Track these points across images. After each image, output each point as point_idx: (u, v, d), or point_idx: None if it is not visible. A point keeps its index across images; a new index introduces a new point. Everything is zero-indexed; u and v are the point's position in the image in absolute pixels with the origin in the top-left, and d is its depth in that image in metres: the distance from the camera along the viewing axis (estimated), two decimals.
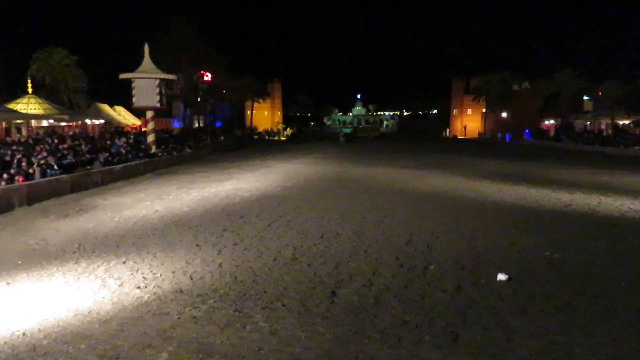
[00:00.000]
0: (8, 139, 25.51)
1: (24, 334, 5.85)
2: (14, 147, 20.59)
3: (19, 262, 8.85)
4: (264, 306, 6.69)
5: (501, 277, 7.78)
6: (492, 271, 8.10)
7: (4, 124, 29.07)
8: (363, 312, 6.50)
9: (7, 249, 9.78)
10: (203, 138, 41.44)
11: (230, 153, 37.47)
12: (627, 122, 47.19)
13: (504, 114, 62.83)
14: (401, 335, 5.79)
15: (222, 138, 44.49)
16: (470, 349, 5.45)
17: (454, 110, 79.98)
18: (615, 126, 46.48)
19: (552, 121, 57.92)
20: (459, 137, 72.78)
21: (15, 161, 17.28)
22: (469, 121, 76.43)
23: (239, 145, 46.48)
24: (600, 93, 49.09)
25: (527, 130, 55.52)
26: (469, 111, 76.51)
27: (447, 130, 79.65)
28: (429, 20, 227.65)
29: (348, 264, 8.67)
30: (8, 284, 7.72)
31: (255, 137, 63.25)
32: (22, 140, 24.87)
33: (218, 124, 62.20)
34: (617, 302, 6.82)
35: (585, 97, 56.31)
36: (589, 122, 51.69)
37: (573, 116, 53.45)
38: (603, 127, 48.94)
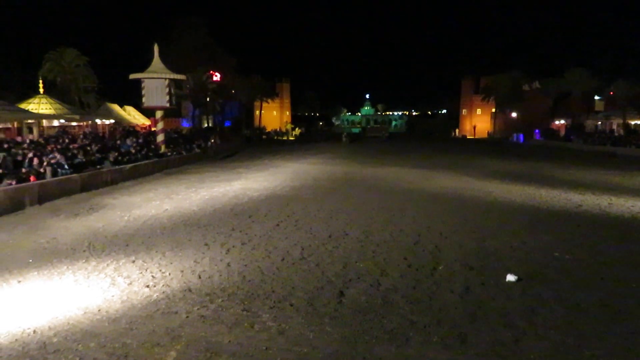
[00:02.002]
0: (20, 138, 25.82)
1: (34, 331, 5.91)
2: (26, 147, 20.84)
3: (30, 261, 8.95)
4: (272, 306, 6.70)
5: (510, 278, 7.73)
6: (501, 272, 8.05)
7: (15, 124, 29.46)
8: (371, 312, 6.49)
9: (18, 248, 9.89)
10: (212, 138, 41.52)
11: (238, 153, 37.57)
12: (638, 122, 46.62)
13: (514, 114, 62.38)
14: (409, 336, 5.77)
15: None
16: (479, 349, 5.42)
17: (463, 110, 79.57)
18: (627, 126, 45.92)
19: (562, 121, 57.39)
20: (468, 137, 72.38)
21: (26, 160, 17.49)
22: (478, 121, 75.96)
23: (247, 145, 46.46)
24: (611, 93, 48.46)
25: (537, 131, 55.07)
26: (478, 111, 76.04)
27: (456, 131, 79.24)
28: (438, 19, 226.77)
29: (356, 264, 8.66)
30: (19, 282, 7.80)
31: (264, 137, 63.41)
32: (34, 139, 25.14)
33: (227, 124, 62.43)
34: (628, 305, 6.75)
35: (596, 97, 55.65)
36: (600, 122, 51.11)
37: (584, 116, 52.88)
38: (614, 127, 48.38)
